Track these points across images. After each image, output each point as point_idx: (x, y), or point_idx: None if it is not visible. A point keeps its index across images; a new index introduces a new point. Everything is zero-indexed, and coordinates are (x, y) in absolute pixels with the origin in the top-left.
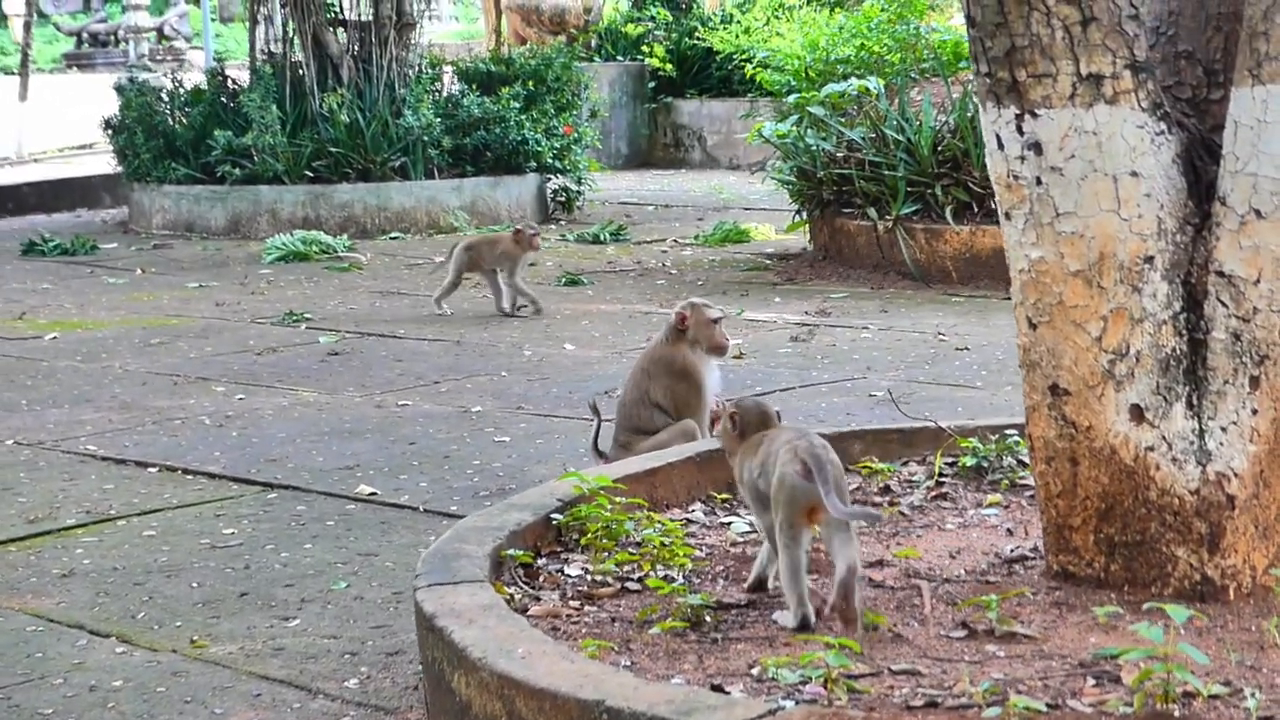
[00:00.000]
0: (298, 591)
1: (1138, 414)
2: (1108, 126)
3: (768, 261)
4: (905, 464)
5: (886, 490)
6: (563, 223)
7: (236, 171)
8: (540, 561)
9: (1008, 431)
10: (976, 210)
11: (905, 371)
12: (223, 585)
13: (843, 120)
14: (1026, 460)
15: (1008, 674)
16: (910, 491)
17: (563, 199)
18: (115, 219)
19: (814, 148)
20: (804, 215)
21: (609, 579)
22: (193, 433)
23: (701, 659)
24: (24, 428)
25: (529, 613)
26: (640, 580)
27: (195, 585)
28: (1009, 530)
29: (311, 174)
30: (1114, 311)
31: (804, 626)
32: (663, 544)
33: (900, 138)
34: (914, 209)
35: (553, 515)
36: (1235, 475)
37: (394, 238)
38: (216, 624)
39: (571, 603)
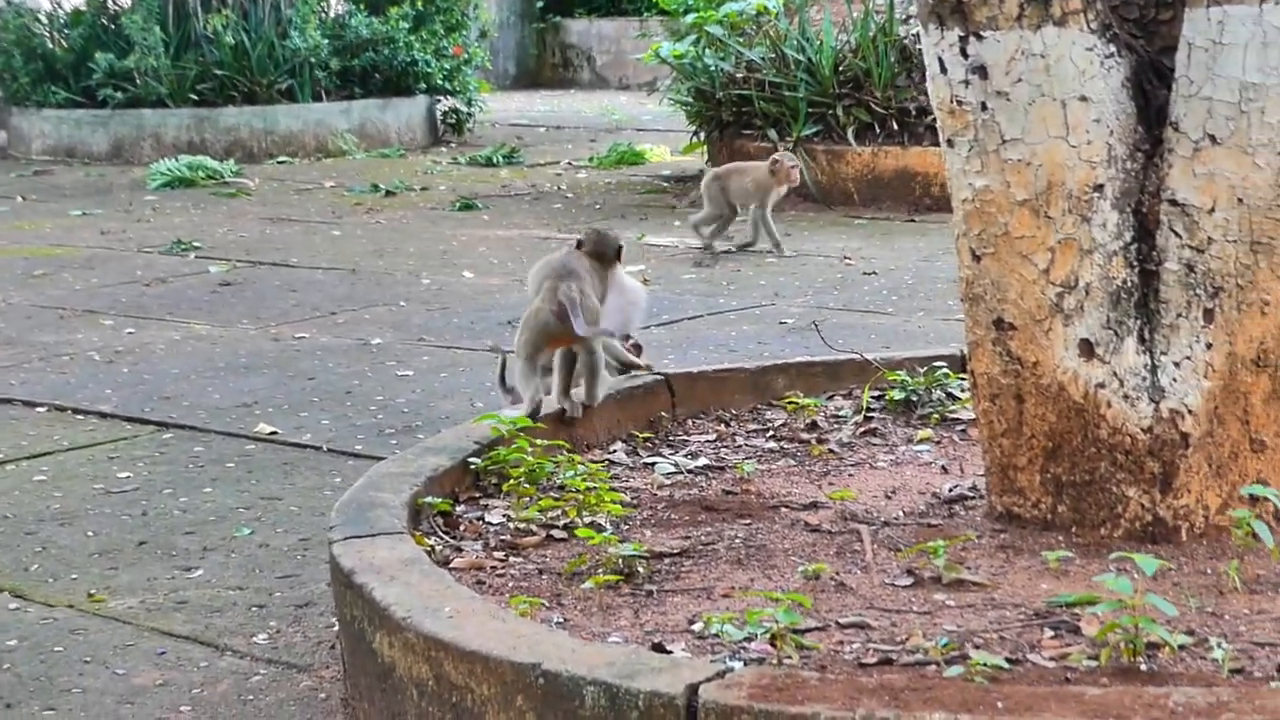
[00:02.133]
0: (199, 539)
1: (1087, 349)
2: (1056, 49)
3: (665, 184)
4: (831, 398)
5: (813, 426)
6: (453, 145)
7: (119, 95)
8: (460, 509)
9: (935, 364)
10: (878, 131)
11: (814, 298)
12: (120, 534)
13: (741, 40)
14: (957, 394)
15: (961, 625)
16: (838, 427)
17: (453, 121)
18: None
19: (712, 68)
20: (701, 137)
21: (533, 527)
22: (81, 369)
23: (638, 614)
24: None
25: (451, 565)
26: (566, 528)
27: (90, 534)
28: (944, 468)
29: (196, 97)
30: (1062, 242)
31: (534, 414)
32: (588, 489)
33: (801, 57)
34: (815, 130)
35: (470, 459)
36: (1189, 412)
37: (282, 162)
38: (115, 576)
39: (496, 554)
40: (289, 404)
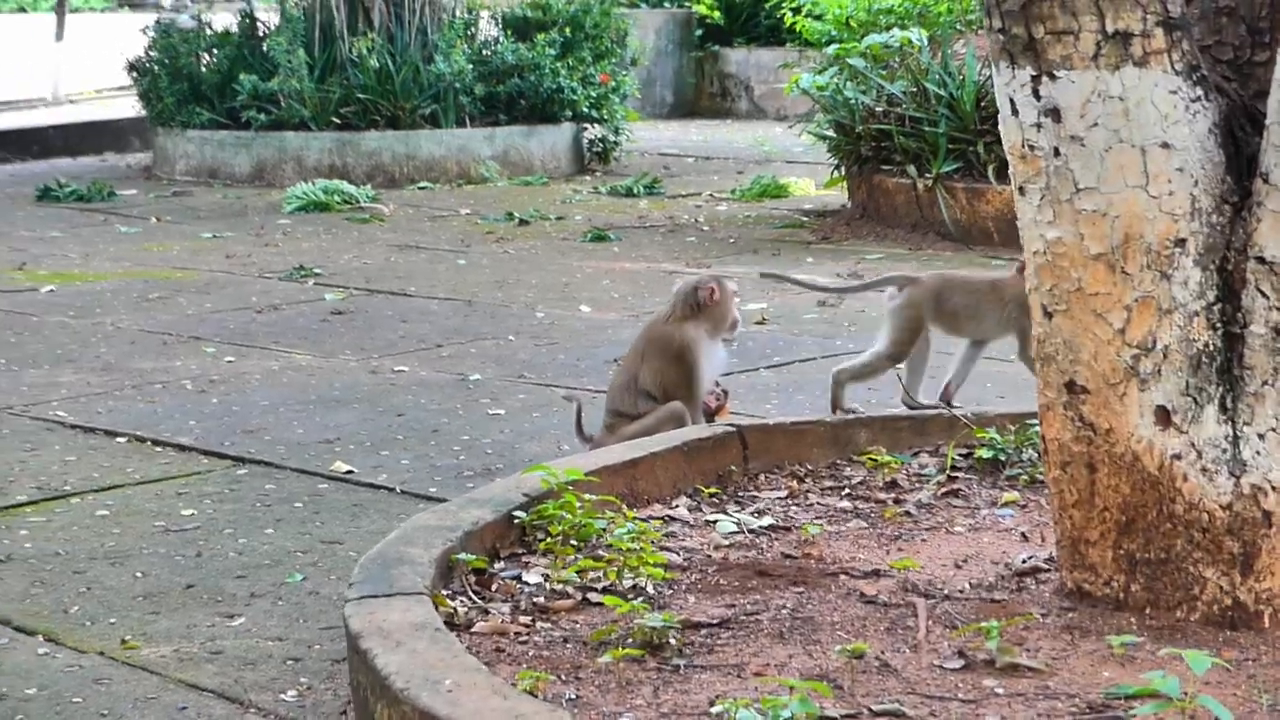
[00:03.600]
0: (248, 584)
1: (1164, 417)
2: (1136, 91)
3: (804, 219)
4: (915, 454)
5: (893, 485)
6: (598, 174)
7: (262, 117)
8: (497, 566)
9: (1029, 421)
10: None
11: (937, 341)
12: (169, 575)
13: (883, 73)
14: None
15: (1004, 717)
16: (919, 487)
17: (599, 150)
18: (139, 164)
19: (853, 101)
20: (842, 171)
21: (569, 589)
22: (171, 399)
23: (657, 692)
24: None
25: (473, 629)
26: (605, 591)
27: (139, 575)
28: (1024, 535)
29: (339, 121)
30: (1140, 300)
31: None
32: (630, 549)
33: (942, 92)
34: (955, 167)
35: (515, 513)
36: (1273, 489)
37: (422, 188)
38: (154, 621)
39: (522, 618)
40: (371, 441)
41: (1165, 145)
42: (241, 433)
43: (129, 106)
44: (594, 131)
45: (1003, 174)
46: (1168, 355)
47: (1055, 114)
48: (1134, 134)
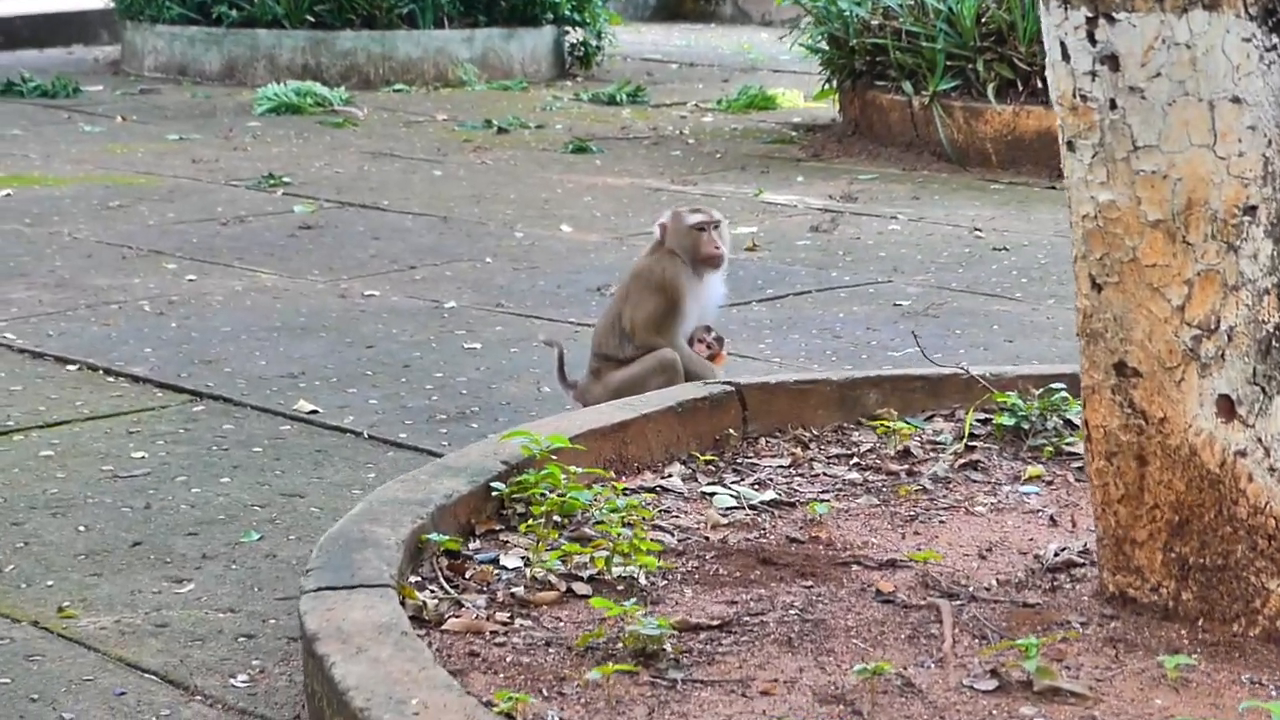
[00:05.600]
0: (200, 543)
1: (1227, 407)
2: (1205, 38)
3: (793, 134)
4: (929, 419)
5: (906, 454)
6: (579, 80)
7: (234, 13)
8: (472, 546)
9: (1054, 385)
10: (1021, 89)
11: (936, 274)
12: (115, 530)
13: None
14: (1076, 422)
15: None
16: (934, 457)
17: (580, 54)
18: (107, 59)
19: (847, 13)
20: (833, 85)
21: (552, 578)
22: (128, 322)
23: (652, 714)
24: None
25: (445, 627)
26: (593, 580)
27: (83, 529)
28: (1052, 519)
29: (313, 19)
30: (1202, 274)
31: None
32: (621, 535)
33: (941, 6)
34: (953, 85)
35: (494, 484)
36: None
37: (398, 90)
38: (96, 585)
39: (500, 614)
40: (339, 376)
41: (1236, 100)
42: (200, 363)
43: None
44: (576, 35)
45: (1002, 94)
46: (1233, 337)
47: (1113, 61)
48: (1201, 86)
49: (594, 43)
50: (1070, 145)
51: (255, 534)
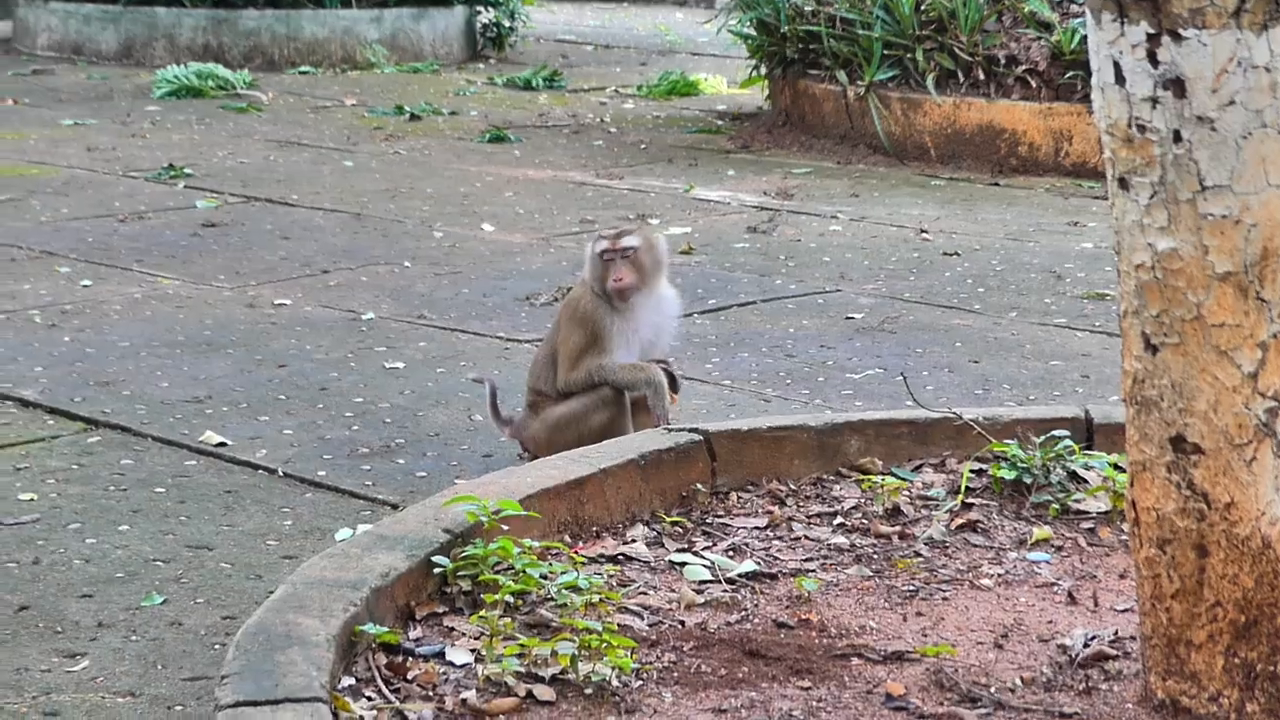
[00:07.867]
0: (96, 607)
1: None
2: None
3: (719, 123)
4: (918, 469)
5: (895, 512)
6: (492, 62)
7: None
8: (414, 635)
9: (1055, 432)
10: (962, 80)
11: (886, 283)
12: None
13: None
14: (1082, 474)
15: None
16: (928, 515)
17: (493, 35)
18: None
19: None
20: (763, 71)
21: (508, 678)
22: (16, 335)
23: None
24: None
25: None
26: (555, 681)
27: None
28: (1070, 595)
29: None
30: (1278, 337)
31: None
32: (588, 629)
33: None
34: (890, 75)
35: (435, 558)
36: None
37: (304, 72)
38: None
39: None
40: (249, 401)
41: None
42: (96, 385)
43: None
44: (488, 15)
45: (942, 84)
46: None
47: (1178, 86)
48: None
49: (507, 23)
50: (1123, 183)
51: (158, 596)
